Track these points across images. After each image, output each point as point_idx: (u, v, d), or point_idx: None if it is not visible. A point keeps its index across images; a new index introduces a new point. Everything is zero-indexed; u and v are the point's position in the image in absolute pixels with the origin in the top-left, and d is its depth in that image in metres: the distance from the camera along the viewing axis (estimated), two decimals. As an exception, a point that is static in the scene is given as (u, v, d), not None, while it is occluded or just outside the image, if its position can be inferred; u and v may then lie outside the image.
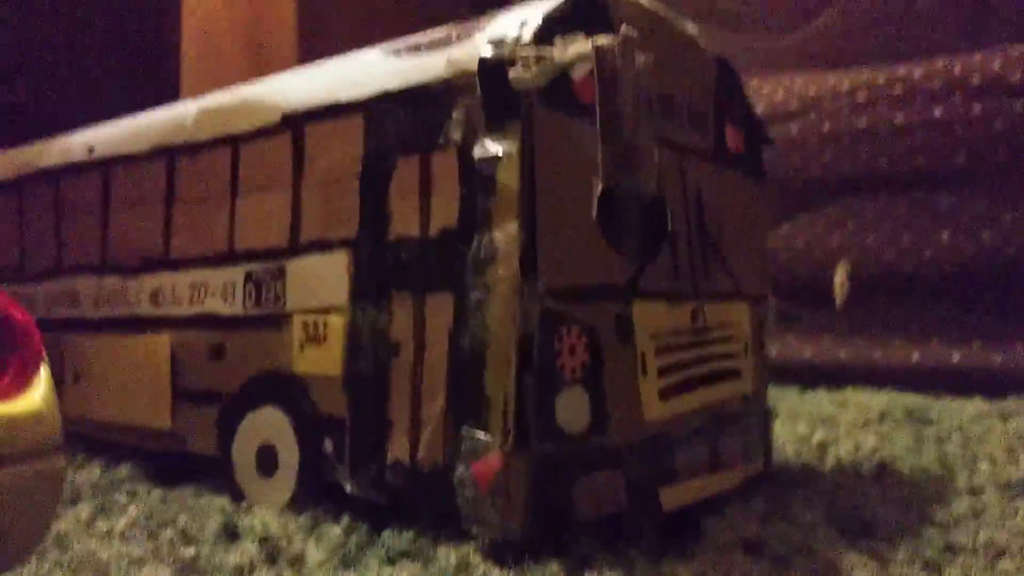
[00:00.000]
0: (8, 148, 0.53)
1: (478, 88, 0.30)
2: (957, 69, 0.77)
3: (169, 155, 0.41)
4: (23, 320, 0.22)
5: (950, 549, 0.30)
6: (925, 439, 0.49)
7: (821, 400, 0.64)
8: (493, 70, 0.29)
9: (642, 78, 0.28)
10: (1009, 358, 0.69)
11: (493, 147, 0.29)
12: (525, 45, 0.29)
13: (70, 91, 0.87)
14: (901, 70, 0.79)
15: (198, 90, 0.42)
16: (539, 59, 0.29)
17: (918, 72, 0.78)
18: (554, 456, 0.29)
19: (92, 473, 0.39)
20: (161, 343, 0.40)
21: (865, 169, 0.78)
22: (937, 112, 0.76)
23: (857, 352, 0.74)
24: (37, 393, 0.21)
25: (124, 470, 0.40)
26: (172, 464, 0.39)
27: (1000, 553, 0.29)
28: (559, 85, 0.29)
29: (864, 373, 0.72)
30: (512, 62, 0.29)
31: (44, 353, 0.22)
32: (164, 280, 0.40)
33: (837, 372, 0.73)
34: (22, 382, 0.21)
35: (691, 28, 0.38)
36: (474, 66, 0.30)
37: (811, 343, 0.76)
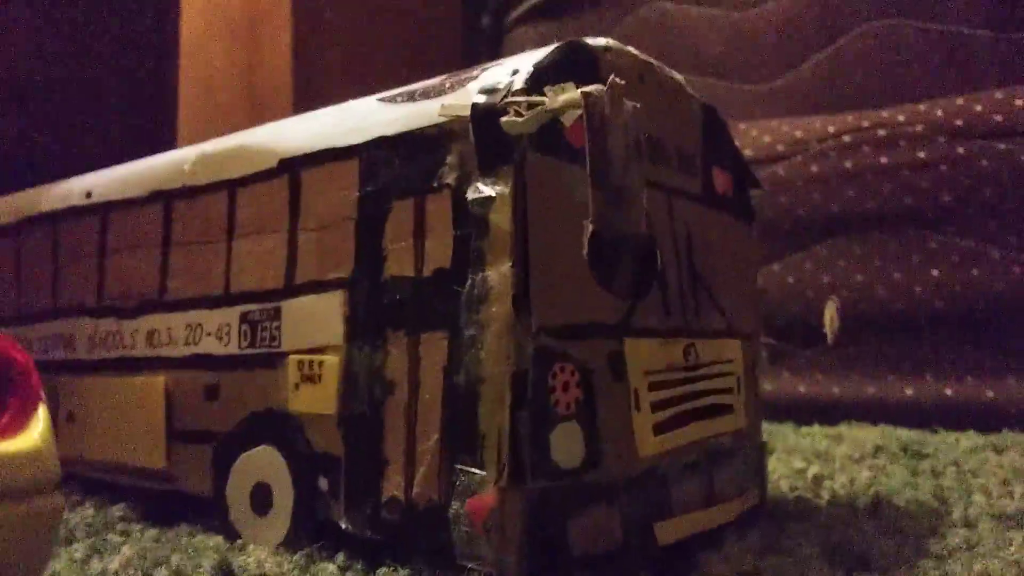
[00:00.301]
0: (5, 194, 0.54)
1: (471, 134, 0.30)
2: (940, 112, 0.79)
3: (166, 199, 0.41)
4: (22, 360, 0.22)
5: (945, 581, 0.30)
6: (920, 473, 0.49)
7: (816, 436, 0.64)
8: (486, 117, 0.30)
9: (630, 123, 0.29)
10: (1002, 392, 0.70)
11: (486, 189, 0.30)
12: (516, 92, 0.30)
13: (69, 138, 0.89)
14: (885, 114, 0.81)
15: (195, 139, 0.43)
16: (530, 106, 0.30)
17: (901, 116, 0.80)
18: (549, 492, 0.29)
19: (86, 513, 0.39)
20: (156, 384, 0.40)
21: (853, 209, 0.79)
22: (922, 153, 0.78)
23: (851, 388, 0.75)
24: (35, 432, 0.21)
25: (118, 510, 0.39)
26: (167, 504, 0.39)
27: (994, 584, 0.29)
28: (550, 131, 0.30)
29: (858, 409, 0.72)
30: (504, 109, 0.30)
31: (42, 393, 0.22)
32: (160, 321, 0.41)
33: (831, 408, 0.73)
34: (20, 421, 0.21)
35: (678, 76, 0.39)
36: (467, 113, 0.30)
37: (805, 380, 0.77)
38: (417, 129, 0.32)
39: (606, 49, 0.33)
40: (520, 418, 0.28)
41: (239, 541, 0.34)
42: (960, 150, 0.76)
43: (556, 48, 0.32)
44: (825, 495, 0.44)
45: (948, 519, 0.39)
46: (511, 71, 0.31)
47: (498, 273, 0.29)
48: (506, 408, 0.28)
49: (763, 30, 0.99)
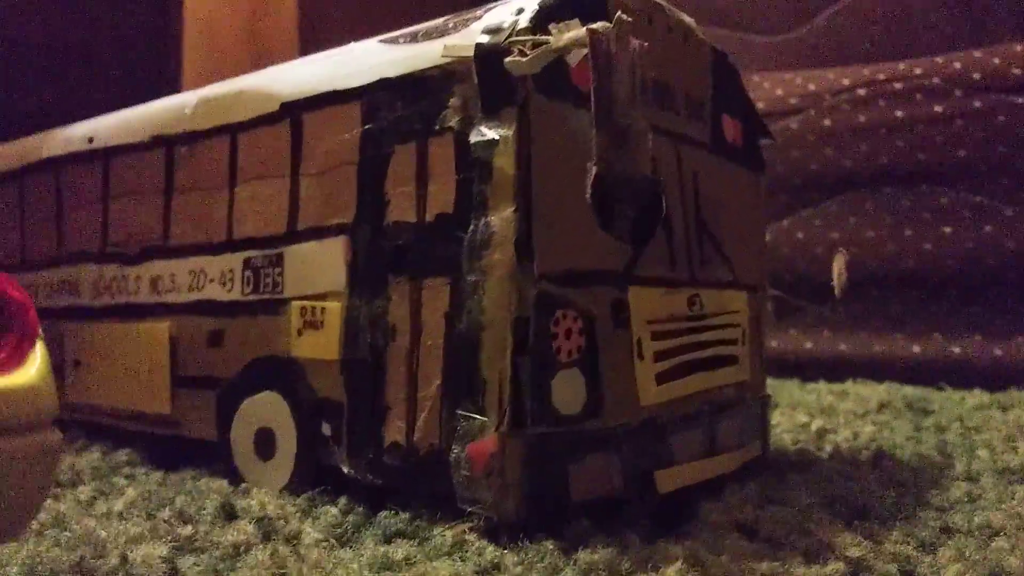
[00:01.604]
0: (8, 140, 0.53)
1: (475, 75, 0.30)
2: (957, 65, 0.77)
3: (168, 144, 0.41)
4: (19, 297, 0.22)
5: (945, 530, 0.30)
6: (924, 428, 0.49)
7: (821, 392, 0.64)
8: (489, 57, 0.29)
9: (637, 63, 0.28)
10: (1010, 350, 0.69)
11: (489, 132, 0.29)
12: (521, 31, 0.29)
13: (70, 86, 0.88)
14: (901, 66, 0.80)
15: (199, 85, 0.42)
16: (535, 46, 0.29)
17: (918, 69, 0.79)
18: (549, 437, 0.29)
19: (92, 457, 0.40)
20: (160, 330, 0.40)
21: (865, 164, 0.78)
22: (938, 108, 0.76)
23: (858, 345, 0.75)
24: (33, 368, 0.21)
25: (124, 455, 0.40)
26: (172, 449, 0.40)
27: (995, 534, 0.29)
28: (555, 72, 0.29)
29: (865, 366, 0.72)
30: (508, 49, 0.29)
31: (40, 330, 0.22)
32: (163, 268, 0.41)
33: (838, 365, 0.73)
34: (18, 357, 0.21)
35: (689, 20, 0.38)
36: (471, 53, 0.30)
37: (812, 336, 0.77)
38: (419, 71, 0.31)
39: (614, -12, 0.32)
40: (521, 364, 0.28)
41: (243, 485, 0.34)
42: (977, 104, 0.74)
43: (562, -13, 0.31)
44: (828, 448, 0.44)
45: (950, 473, 0.39)
46: (516, 10, 0.30)
47: (500, 218, 0.29)
48: (507, 354, 0.28)
49: (778, -20, 0.97)
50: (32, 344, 0.21)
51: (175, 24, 1.00)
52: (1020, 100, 0.74)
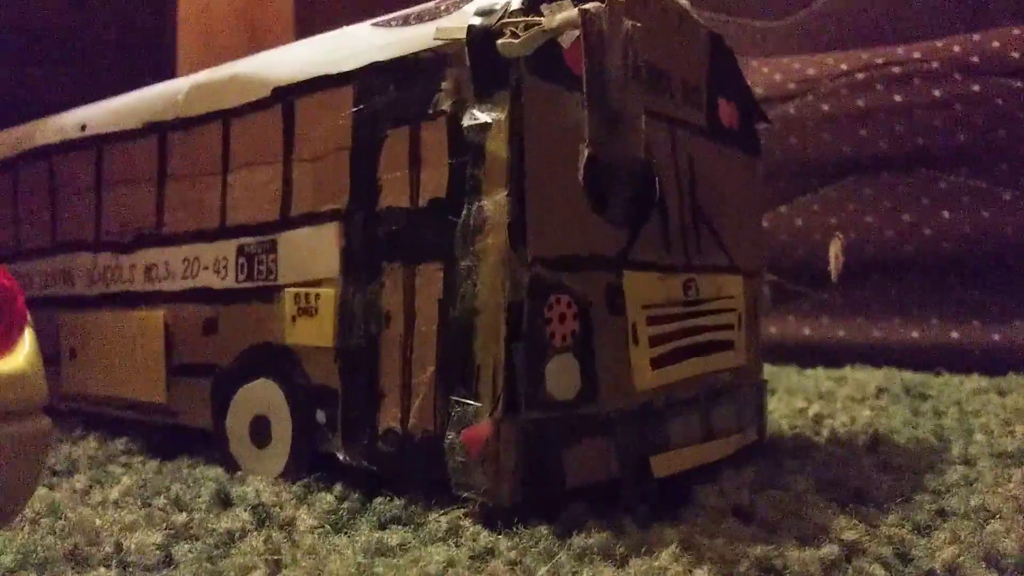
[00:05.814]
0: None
1: (467, 58, 0.29)
2: (956, 49, 0.77)
3: (161, 131, 0.41)
4: (6, 284, 0.22)
5: (941, 513, 0.30)
6: (922, 413, 0.49)
7: (819, 377, 0.64)
8: (482, 39, 0.29)
9: (629, 44, 0.28)
10: (1008, 335, 0.69)
11: (482, 116, 0.29)
12: (513, 12, 0.29)
13: (64, 74, 0.87)
14: (900, 51, 0.79)
15: (194, 72, 0.42)
16: (527, 27, 0.28)
17: (917, 52, 0.78)
18: (544, 423, 0.29)
19: (89, 446, 0.39)
20: (155, 318, 0.40)
21: (864, 149, 0.78)
22: (936, 92, 0.76)
23: (856, 331, 0.74)
24: (21, 355, 0.21)
25: (120, 444, 0.40)
26: (168, 437, 0.39)
27: (991, 516, 0.29)
28: (548, 55, 0.29)
29: (863, 352, 0.72)
30: (500, 31, 0.29)
31: (28, 316, 0.22)
32: (157, 255, 0.41)
33: (836, 351, 0.73)
34: (6, 344, 0.21)
35: (684, 2, 0.38)
36: (463, 36, 0.29)
37: (810, 323, 0.76)
38: (412, 54, 0.31)
39: (607, -30, 0.32)
40: (515, 349, 0.28)
41: (239, 473, 0.34)
42: (975, 88, 0.74)
43: (555, -32, 0.31)
44: (825, 433, 0.44)
45: (947, 457, 0.39)
46: (508, -9, 0.30)
47: (493, 202, 0.29)
48: (501, 339, 0.28)
49: (776, -36, 0.96)
50: (20, 331, 0.21)
51: (170, 11, 0.99)
52: (1019, 84, 0.73)
